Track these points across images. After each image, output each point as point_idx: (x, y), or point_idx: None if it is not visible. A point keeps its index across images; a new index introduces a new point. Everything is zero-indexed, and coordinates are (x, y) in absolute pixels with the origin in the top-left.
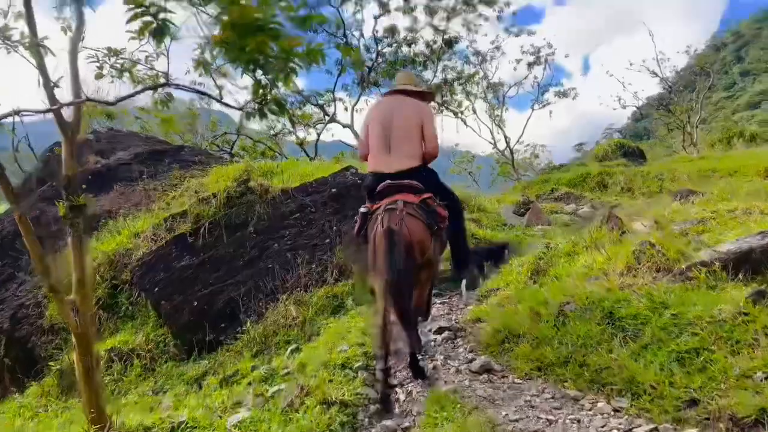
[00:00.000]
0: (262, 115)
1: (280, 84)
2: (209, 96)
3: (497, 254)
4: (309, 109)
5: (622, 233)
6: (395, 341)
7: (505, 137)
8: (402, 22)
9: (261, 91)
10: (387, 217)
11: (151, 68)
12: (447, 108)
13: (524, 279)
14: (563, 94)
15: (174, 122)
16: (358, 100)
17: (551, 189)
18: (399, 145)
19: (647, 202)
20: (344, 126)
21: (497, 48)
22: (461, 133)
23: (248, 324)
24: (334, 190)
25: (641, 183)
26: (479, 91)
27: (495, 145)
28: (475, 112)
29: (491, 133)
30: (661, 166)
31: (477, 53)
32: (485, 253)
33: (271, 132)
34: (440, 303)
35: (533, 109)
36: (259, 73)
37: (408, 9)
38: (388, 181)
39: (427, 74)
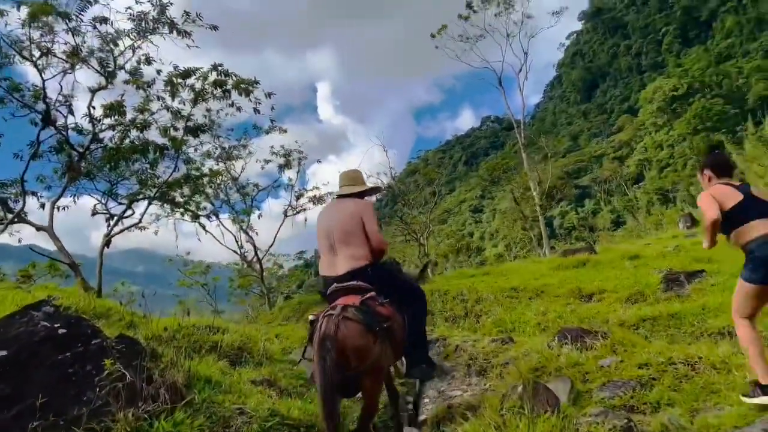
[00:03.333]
0: None
1: None
2: None
3: None
4: None
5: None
6: None
7: (255, 247)
8: (132, 98)
9: None
10: (324, 323)
11: None
12: (185, 210)
13: None
14: (319, 200)
15: None
16: (61, 194)
17: None
18: (342, 248)
19: (493, 339)
20: (39, 228)
21: (244, 146)
22: (202, 239)
23: None
24: (4, 352)
25: (441, 305)
26: (222, 192)
27: (241, 254)
28: (217, 216)
29: (236, 241)
30: (453, 284)
31: (223, 149)
32: None
33: None
34: None
35: (286, 215)
36: None
37: (141, 84)
38: (335, 284)
39: (162, 168)
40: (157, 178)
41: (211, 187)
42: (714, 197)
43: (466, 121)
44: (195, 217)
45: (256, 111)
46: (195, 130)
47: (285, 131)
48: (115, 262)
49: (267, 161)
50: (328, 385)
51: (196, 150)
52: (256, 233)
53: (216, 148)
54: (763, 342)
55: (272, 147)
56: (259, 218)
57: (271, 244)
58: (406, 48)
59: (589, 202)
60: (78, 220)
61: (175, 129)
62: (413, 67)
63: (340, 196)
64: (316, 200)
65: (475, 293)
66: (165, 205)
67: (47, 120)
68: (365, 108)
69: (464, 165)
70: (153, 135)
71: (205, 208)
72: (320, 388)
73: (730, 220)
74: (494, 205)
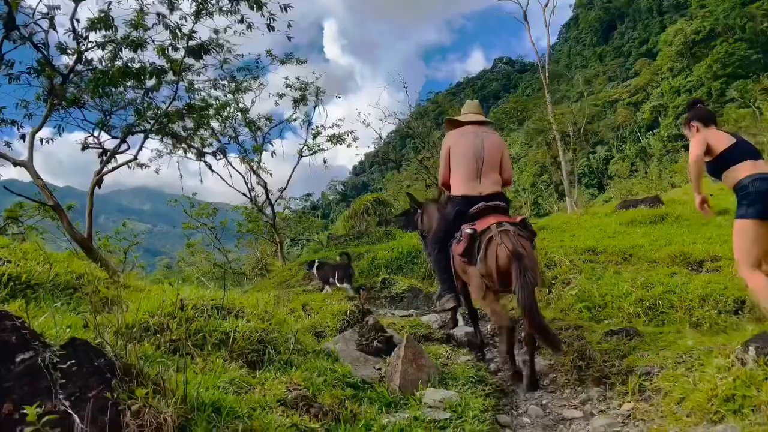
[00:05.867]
0: None
1: None
2: None
3: None
4: None
5: None
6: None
7: (266, 190)
8: (120, 10)
9: None
10: (506, 238)
11: None
12: (188, 147)
13: None
14: (339, 139)
15: None
16: (42, 123)
17: (383, 279)
18: (488, 172)
19: (611, 331)
20: (16, 164)
21: (255, 77)
22: (207, 180)
23: None
24: None
25: None
26: (230, 128)
27: (251, 198)
28: (225, 154)
29: (246, 182)
30: None
31: (232, 77)
32: None
33: None
34: None
35: (301, 156)
36: None
37: None
38: (483, 203)
39: (162, 98)
40: (157, 109)
41: (217, 120)
42: (707, 140)
43: (477, 63)
44: (200, 155)
45: (270, 27)
46: (198, 51)
47: (305, 62)
48: (123, 199)
49: (281, 95)
50: (533, 293)
51: (199, 75)
52: (270, 174)
53: (224, 77)
54: None
55: (287, 78)
56: (272, 156)
57: (284, 188)
58: None
59: (601, 149)
60: (86, 154)
61: (175, 49)
62: (423, 7)
63: (473, 123)
64: (336, 139)
65: (542, 254)
66: (164, 139)
67: (10, 24)
68: (373, 49)
69: None
70: (150, 57)
71: (211, 144)
72: (525, 298)
73: (722, 162)
74: None
